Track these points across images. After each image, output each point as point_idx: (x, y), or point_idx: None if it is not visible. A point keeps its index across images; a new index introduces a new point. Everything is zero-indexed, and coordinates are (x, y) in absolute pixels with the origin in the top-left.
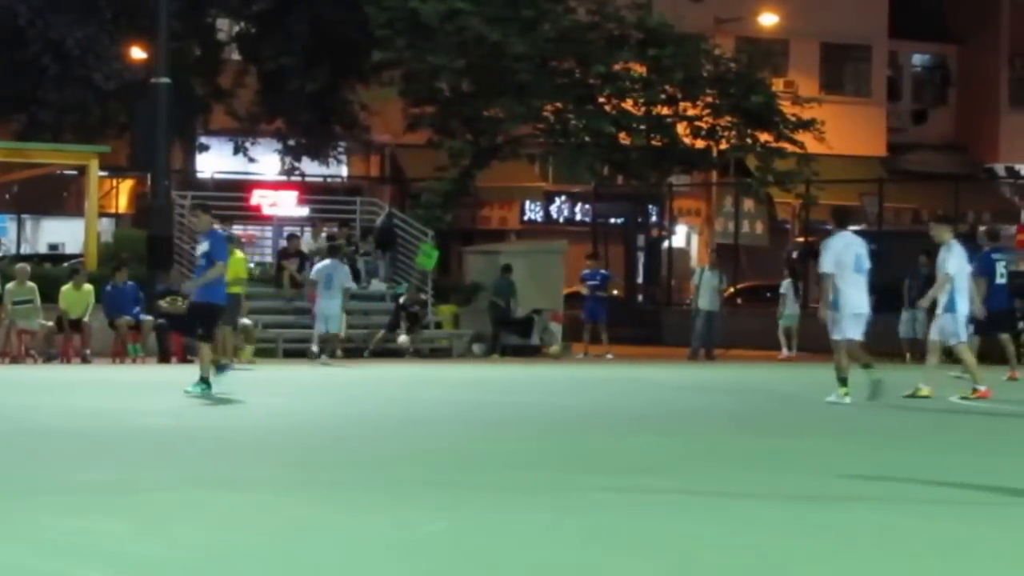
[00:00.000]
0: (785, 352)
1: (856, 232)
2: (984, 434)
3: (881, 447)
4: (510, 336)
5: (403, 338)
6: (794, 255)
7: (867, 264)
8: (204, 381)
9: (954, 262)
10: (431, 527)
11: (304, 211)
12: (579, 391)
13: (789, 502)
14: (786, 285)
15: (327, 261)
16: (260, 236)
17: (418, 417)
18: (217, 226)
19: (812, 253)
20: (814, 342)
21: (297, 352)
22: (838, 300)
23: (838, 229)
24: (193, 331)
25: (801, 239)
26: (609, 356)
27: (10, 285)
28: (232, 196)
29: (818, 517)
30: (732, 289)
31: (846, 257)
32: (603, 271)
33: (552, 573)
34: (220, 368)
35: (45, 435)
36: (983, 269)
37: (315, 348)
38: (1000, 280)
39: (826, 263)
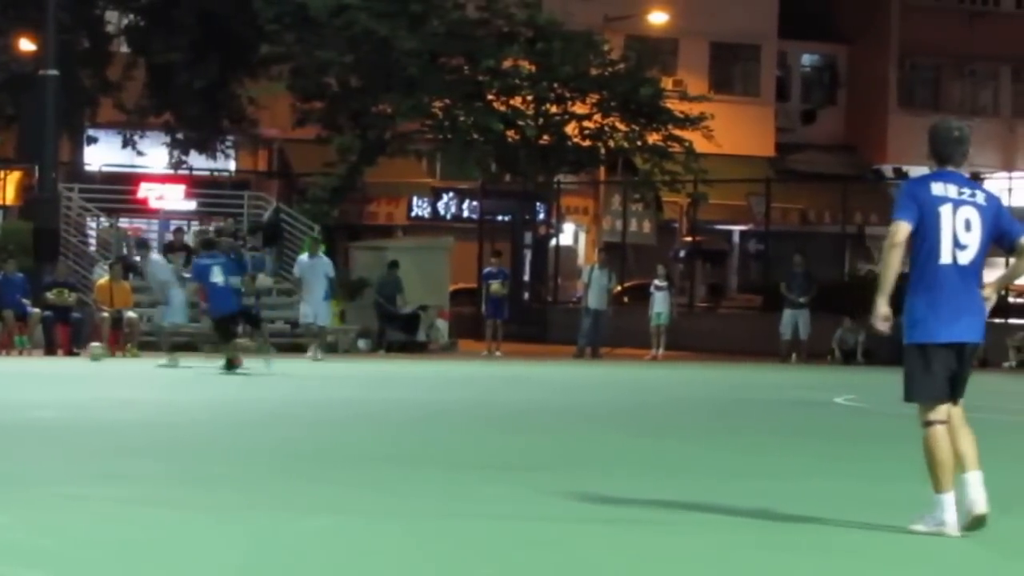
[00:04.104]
0: (653, 351)
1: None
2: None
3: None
4: (396, 332)
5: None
6: (681, 254)
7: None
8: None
9: None
10: (316, 522)
11: (191, 205)
12: (458, 388)
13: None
14: (656, 284)
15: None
16: (146, 229)
17: (292, 413)
18: None
19: (699, 252)
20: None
21: (187, 346)
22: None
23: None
24: None
25: (689, 238)
26: (498, 353)
27: None
28: (120, 189)
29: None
30: (620, 288)
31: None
32: (505, 269)
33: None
34: None
35: None
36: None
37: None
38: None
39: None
